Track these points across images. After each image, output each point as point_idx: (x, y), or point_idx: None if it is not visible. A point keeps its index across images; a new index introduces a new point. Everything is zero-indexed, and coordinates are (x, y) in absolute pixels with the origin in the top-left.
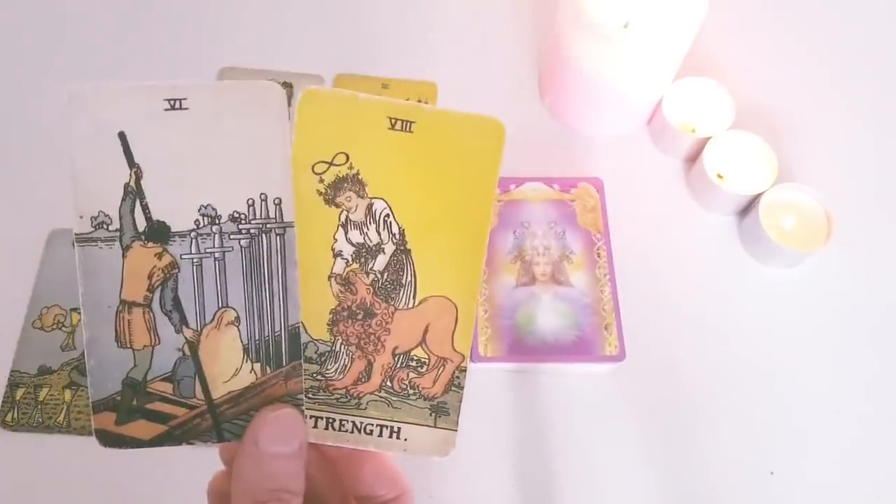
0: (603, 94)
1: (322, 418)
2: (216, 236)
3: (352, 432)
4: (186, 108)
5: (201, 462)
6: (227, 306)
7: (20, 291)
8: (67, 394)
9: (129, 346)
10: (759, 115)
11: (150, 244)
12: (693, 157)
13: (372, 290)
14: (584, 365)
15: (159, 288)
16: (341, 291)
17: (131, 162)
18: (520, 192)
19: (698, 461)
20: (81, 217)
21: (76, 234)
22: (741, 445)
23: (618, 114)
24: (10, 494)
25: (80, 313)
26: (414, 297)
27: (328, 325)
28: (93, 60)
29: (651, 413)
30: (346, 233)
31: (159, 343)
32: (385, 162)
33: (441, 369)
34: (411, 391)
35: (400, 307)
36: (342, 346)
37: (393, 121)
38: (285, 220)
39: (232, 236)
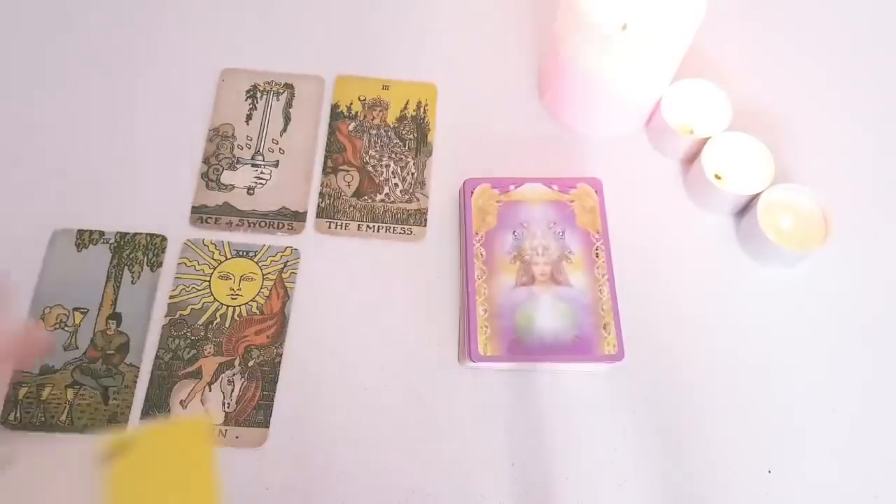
0: (602, 95)
1: None
2: None
3: None
4: None
5: None
6: None
7: (23, 291)
8: (70, 393)
9: None
10: (757, 116)
11: None
12: (691, 158)
13: None
14: (582, 364)
15: None
16: None
17: None
18: (519, 193)
19: (696, 460)
20: None
21: None
22: (739, 444)
23: (616, 115)
24: (12, 494)
25: (81, 313)
26: None
27: None
28: (93, 61)
29: (649, 412)
30: None
31: None
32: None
33: None
34: None
35: None
36: None
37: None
38: None
39: None
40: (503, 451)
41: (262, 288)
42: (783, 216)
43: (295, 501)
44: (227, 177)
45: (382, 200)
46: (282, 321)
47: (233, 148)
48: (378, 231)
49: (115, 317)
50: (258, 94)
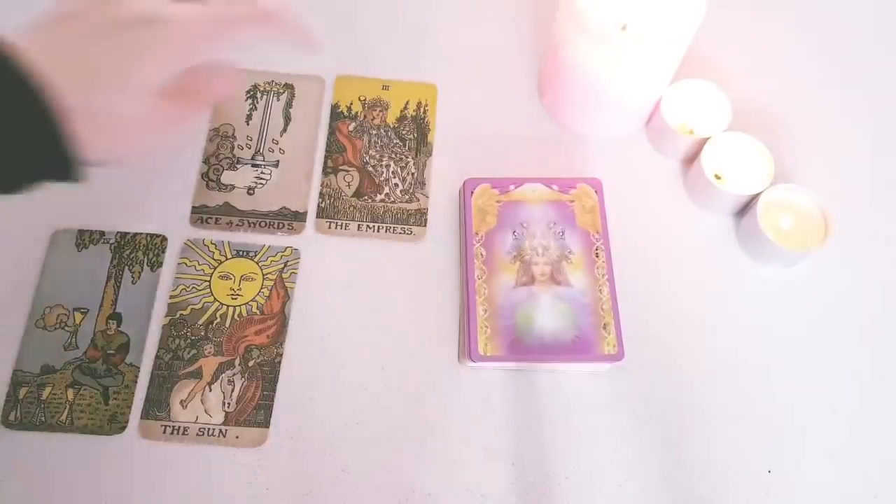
0: (601, 95)
1: None
2: None
3: None
4: None
5: (203, 462)
6: None
7: (23, 291)
8: (70, 393)
9: None
10: (757, 116)
11: None
12: (691, 158)
13: None
14: (582, 364)
15: None
16: None
17: None
18: (519, 193)
19: (696, 460)
20: None
21: None
22: (739, 444)
23: (616, 115)
24: (13, 494)
25: (81, 313)
26: None
27: None
28: None
29: (649, 412)
30: None
31: None
32: None
33: None
34: None
35: None
36: None
37: None
38: None
39: None
40: (503, 451)
41: (262, 288)
42: (783, 216)
43: (295, 501)
44: (227, 177)
45: (382, 200)
46: (282, 321)
47: (233, 148)
48: (378, 231)
49: (116, 317)
50: (258, 94)
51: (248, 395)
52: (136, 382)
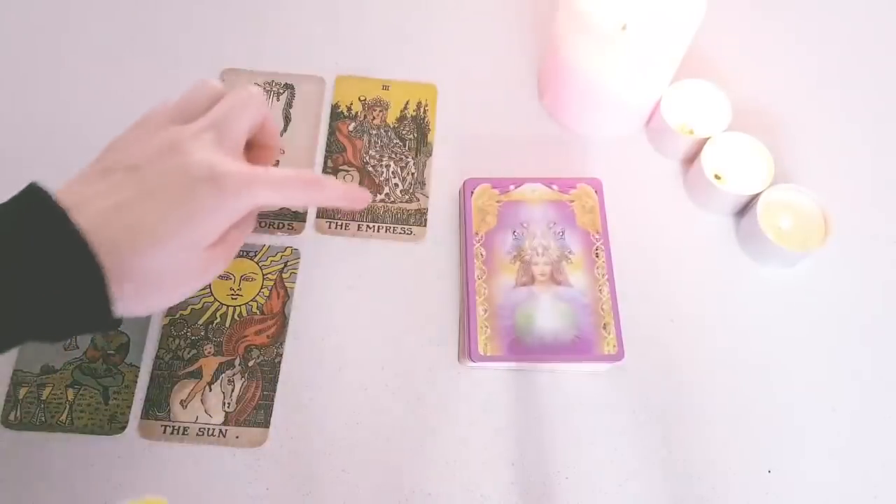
0: (601, 95)
1: None
2: None
3: None
4: None
5: (203, 462)
6: None
7: None
8: (70, 393)
9: None
10: (757, 116)
11: None
12: (691, 159)
13: None
14: (582, 364)
15: None
16: None
17: None
18: (519, 193)
19: (696, 460)
20: None
21: None
22: (739, 444)
23: (616, 115)
24: (13, 494)
25: None
26: None
27: None
28: (93, 62)
29: (649, 412)
30: None
31: None
32: None
33: None
34: None
35: None
36: None
37: None
38: None
39: None
40: (503, 451)
41: (262, 288)
42: (783, 216)
43: (295, 501)
44: None
45: (382, 200)
46: (282, 321)
47: None
48: (378, 231)
49: None
50: None
51: (248, 395)
52: (136, 382)
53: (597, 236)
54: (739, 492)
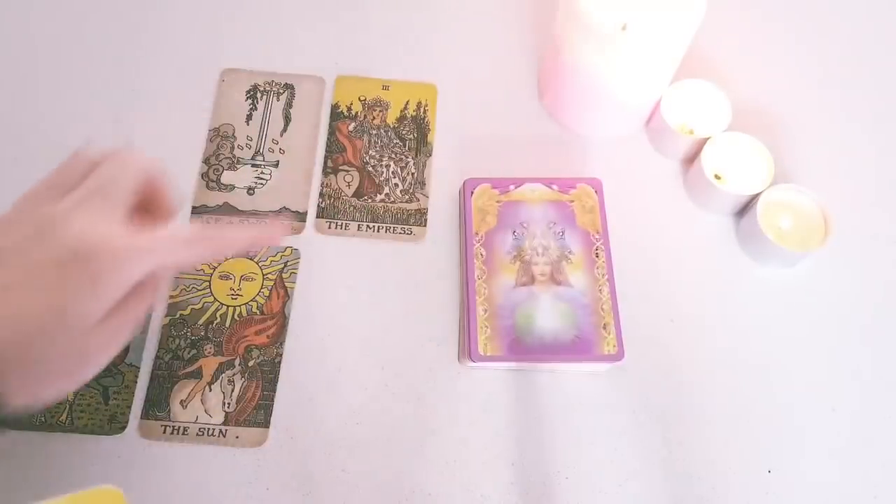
0: (601, 95)
1: None
2: None
3: None
4: None
5: (203, 462)
6: None
7: None
8: (70, 393)
9: None
10: (757, 116)
11: None
12: (691, 159)
13: None
14: (582, 364)
15: None
16: None
17: None
18: (519, 193)
19: (696, 460)
20: None
21: None
22: (739, 444)
23: (616, 115)
24: (13, 494)
25: None
26: None
27: None
28: (93, 61)
29: (649, 412)
30: None
31: None
32: None
33: None
34: None
35: None
36: None
37: None
38: None
39: None
40: (503, 451)
41: (262, 288)
42: (783, 216)
43: (295, 501)
44: (227, 177)
45: (382, 200)
46: (282, 321)
47: (233, 148)
48: (378, 231)
49: None
50: (258, 94)
51: (248, 395)
52: (136, 382)
53: (597, 236)
54: (739, 492)
